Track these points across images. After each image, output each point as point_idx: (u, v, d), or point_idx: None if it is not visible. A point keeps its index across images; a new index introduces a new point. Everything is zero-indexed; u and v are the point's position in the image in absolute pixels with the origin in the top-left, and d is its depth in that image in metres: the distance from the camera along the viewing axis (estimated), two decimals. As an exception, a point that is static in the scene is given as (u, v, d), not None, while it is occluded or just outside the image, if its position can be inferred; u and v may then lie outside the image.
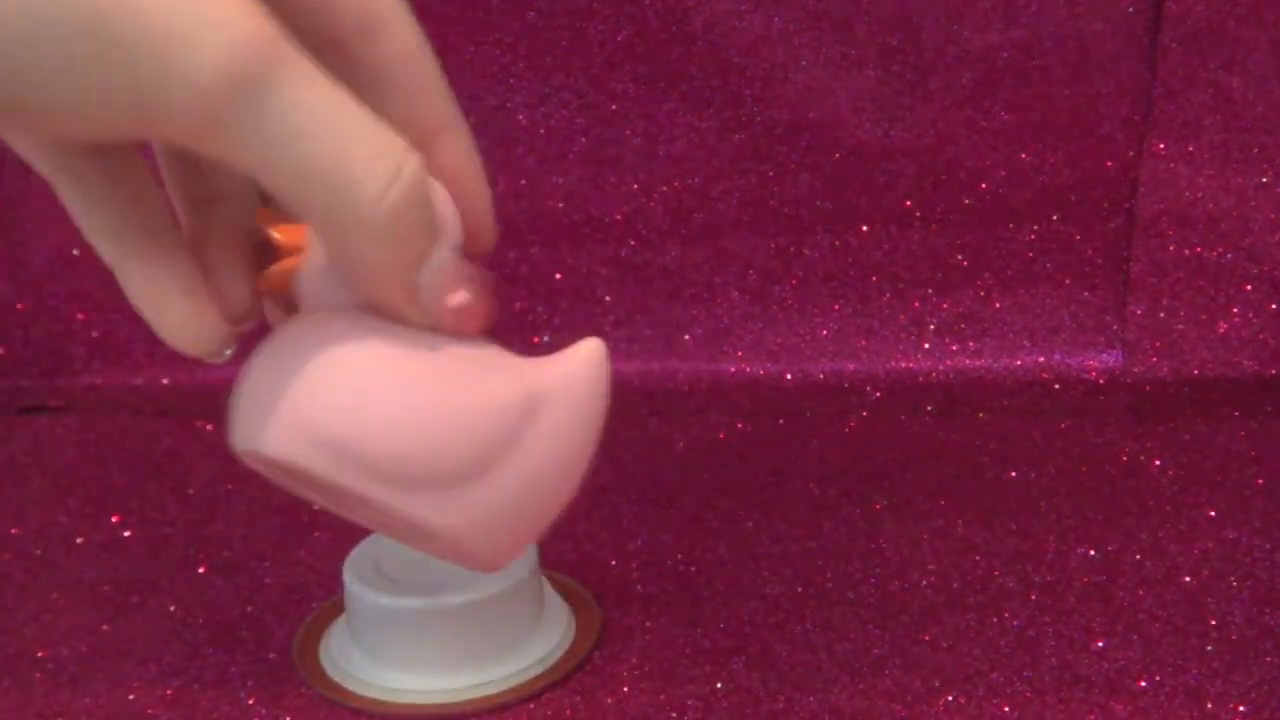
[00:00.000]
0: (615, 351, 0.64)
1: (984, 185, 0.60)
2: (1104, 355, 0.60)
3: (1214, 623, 0.44)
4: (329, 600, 0.48)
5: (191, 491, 0.57)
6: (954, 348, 0.61)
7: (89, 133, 0.29)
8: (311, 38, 0.30)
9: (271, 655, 0.46)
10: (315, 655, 0.45)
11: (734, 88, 0.60)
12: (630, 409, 0.62)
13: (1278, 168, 0.57)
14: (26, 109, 0.27)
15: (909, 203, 0.61)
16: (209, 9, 0.27)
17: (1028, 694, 0.41)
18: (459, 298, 0.32)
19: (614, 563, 0.50)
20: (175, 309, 0.34)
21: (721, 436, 0.60)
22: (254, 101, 0.27)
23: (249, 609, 0.48)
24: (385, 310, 0.32)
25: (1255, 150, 0.57)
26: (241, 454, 0.33)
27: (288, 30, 0.28)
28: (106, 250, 0.34)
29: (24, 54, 0.26)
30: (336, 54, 0.31)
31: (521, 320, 0.63)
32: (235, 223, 0.35)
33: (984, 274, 0.61)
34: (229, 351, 0.35)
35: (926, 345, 0.61)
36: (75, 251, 0.64)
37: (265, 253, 0.34)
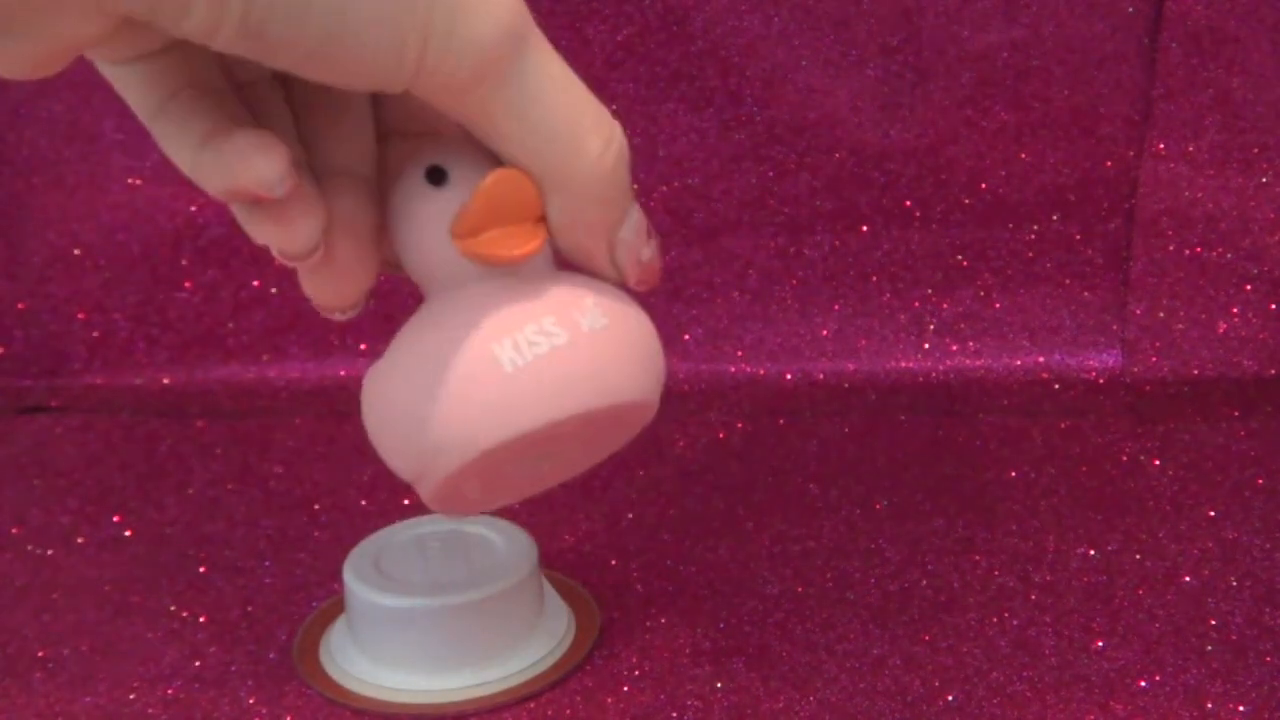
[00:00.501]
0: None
1: (984, 185, 0.60)
2: (1104, 355, 0.60)
3: (1214, 623, 0.44)
4: (329, 600, 0.48)
5: (191, 491, 0.57)
6: (954, 348, 0.61)
7: (362, 82, 0.30)
8: None
9: (271, 655, 0.46)
10: (315, 655, 0.45)
11: (734, 88, 0.60)
12: (630, 409, 0.62)
13: (1278, 168, 0.57)
14: (332, 49, 0.28)
15: (909, 203, 0.61)
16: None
17: (1028, 694, 0.41)
18: (647, 253, 0.35)
19: (614, 563, 0.50)
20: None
21: (721, 436, 0.60)
22: (518, 64, 0.30)
23: (249, 609, 0.48)
24: (585, 266, 0.35)
25: (1255, 150, 0.57)
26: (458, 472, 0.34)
27: None
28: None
29: None
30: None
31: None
32: (345, 201, 0.35)
33: (984, 274, 0.61)
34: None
35: (926, 345, 0.61)
36: (75, 251, 0.64)
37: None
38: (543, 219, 0.34)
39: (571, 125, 0.32)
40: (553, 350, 0.33)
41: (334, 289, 0.36)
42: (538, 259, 0.34)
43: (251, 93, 0.35)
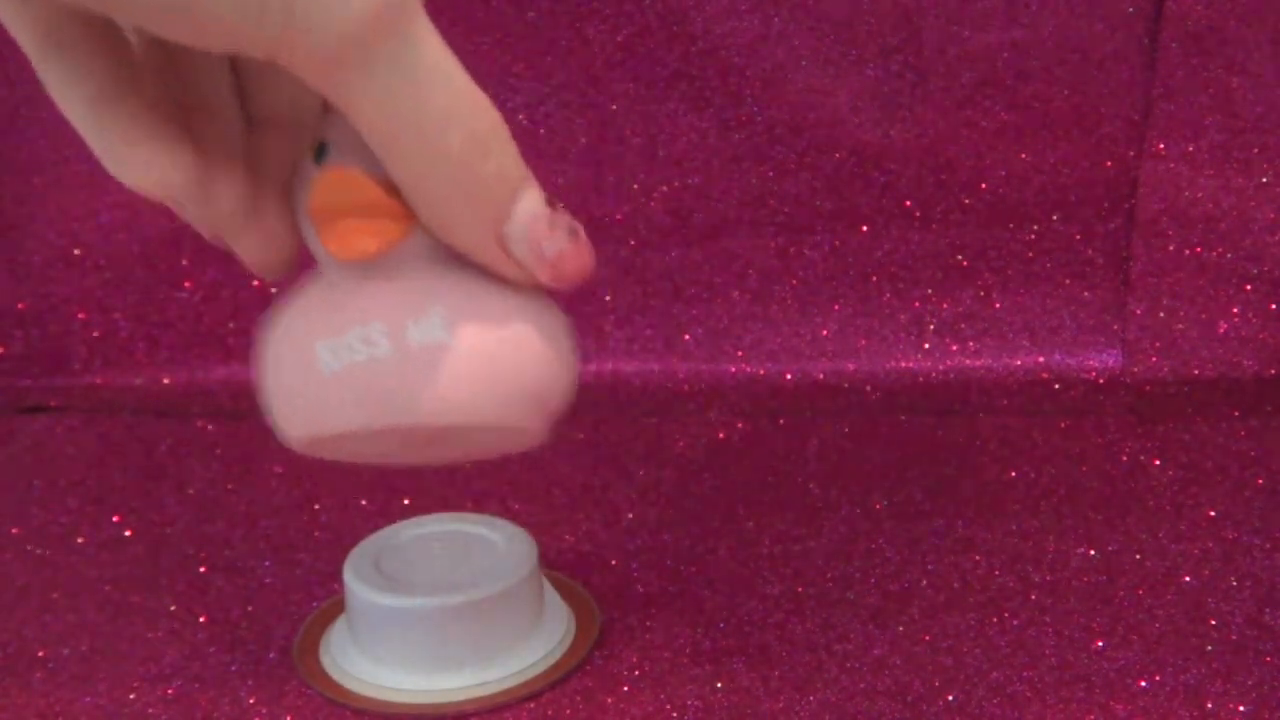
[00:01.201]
0: (615, 351, 0.65)
1: (984, 185, 0.60)
2: (1104, 355, 0.60)
3: (1214, 623, 0.44)
4: (329, 600, 0.48)
5: (191, 491, 0.57)
6: (954, 348, 0.61)
7: (220, 43, 0.28)
8: None
9: (271, 655, 0.46)
10: (315, 655, 0.45)
11: (734, 88, 0.60)
12: (630, 409, 0.62)
13: (1278, 168, 0.57)
14: (184, 9, 0.27)
15: (909, 203, 0.61)
16: None
17: (1028, 694, 0.41)
18: (552, 247, 0.31)
19: (614, 563, 0.50)
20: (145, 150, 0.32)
21: (721, 436, 0.60)
22: (388, 50, 0.28)
23: (249, 609, 0.48)
24: (484, 266, 0.32)
25: (1255, 150, 0.57)
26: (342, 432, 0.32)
27: None
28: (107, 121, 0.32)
29: None
30: None
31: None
32: (283, 155, 0.34)
33: (984, 274, 0.61)
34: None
35: (926, 345, 0.61)
36: (76, 251, 0.64)
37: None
38: (409, 215, 0.32)
39: (438, 122, 0.29)
40: (370, 360, 0.31)
41: (263, 246, 0.34)
42: (414, 253, 0.32)
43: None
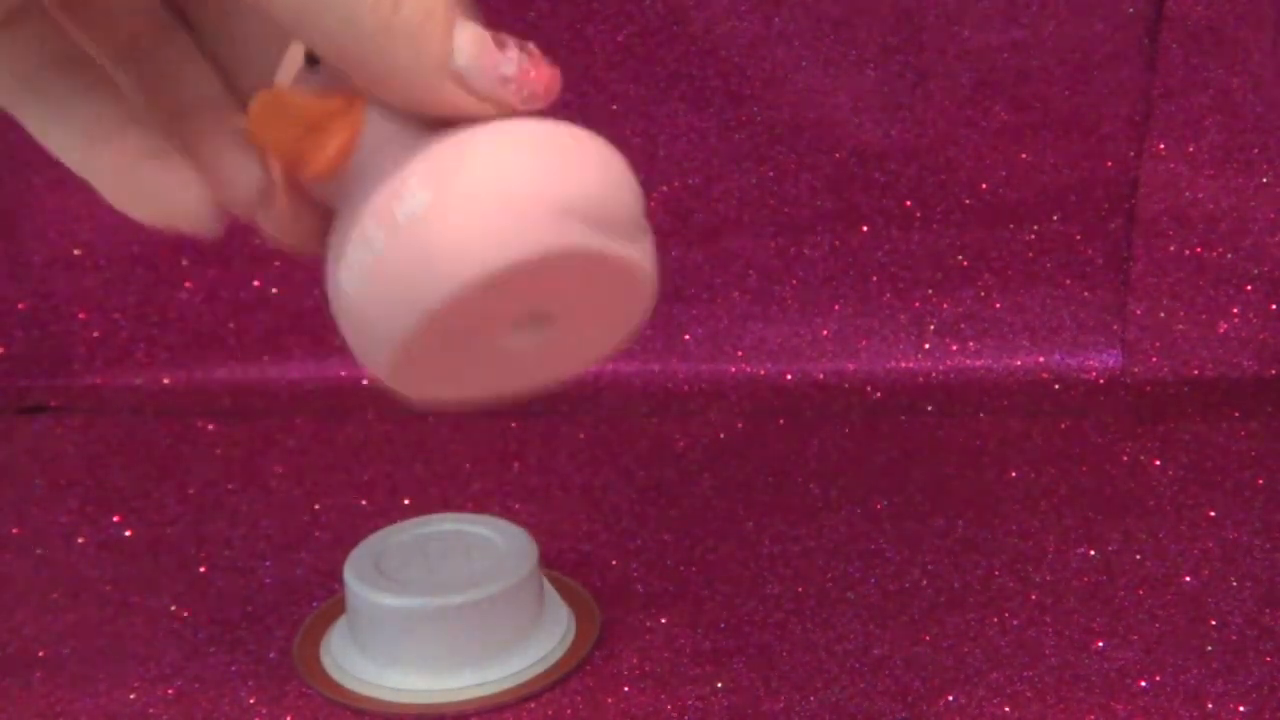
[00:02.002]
0: (615, 351, 0.65)
1: (984, 185, 0.60)
2: (1104, 355, 0.60)
3: (1214, 623, 0.44)
4: (329, 600, 0.48)
5: (191, 491, 0.57)
6: (954, 348, 0.61)
7: None
8: None
9: (271, 655, 0.46)
10: (315, 655, 0.45)
11: (734, 88, 0.60)
12: (630, 409, 0.62)
13: (1278, 168, 0.57)
14: None
15: (909, 203, 0.61)
16: None
17: (1028, 694, 0.41)
18: (509, 67, 0.29)
19: (614, 563, 0.50)
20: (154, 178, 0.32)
21: (721, 436, 0.60)
22: None
23: (249, 609, 0.48)
24: (456, 118, 0.29)
25: (1255, 150, 0.57)
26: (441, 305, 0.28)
27: None
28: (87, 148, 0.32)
29: None
30: None
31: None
32: (221, 124, 0.32)
33: (984, 274, 0.61)
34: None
35: (926, 345, 0.61)
36: (76, 251, 0.64)
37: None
38: (350, 107, 0.29)
39: None
40: (376, 260, 0.29)
41: (290, 220, 0.32)
42: (378, 141, 0.30)
43: (136, 48, 0.32)
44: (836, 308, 0.62)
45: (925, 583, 0.47)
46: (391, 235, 0.28)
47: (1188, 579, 0.47)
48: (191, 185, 0.31)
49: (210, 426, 0.63)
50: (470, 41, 0.29)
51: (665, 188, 0.62)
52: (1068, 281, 0.61)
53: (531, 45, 0.30)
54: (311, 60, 0.30)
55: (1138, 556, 0.48)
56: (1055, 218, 0.60)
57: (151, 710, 0.43)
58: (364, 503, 0.55)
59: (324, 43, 0.28)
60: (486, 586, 0.43)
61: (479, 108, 0.29)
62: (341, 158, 0.29)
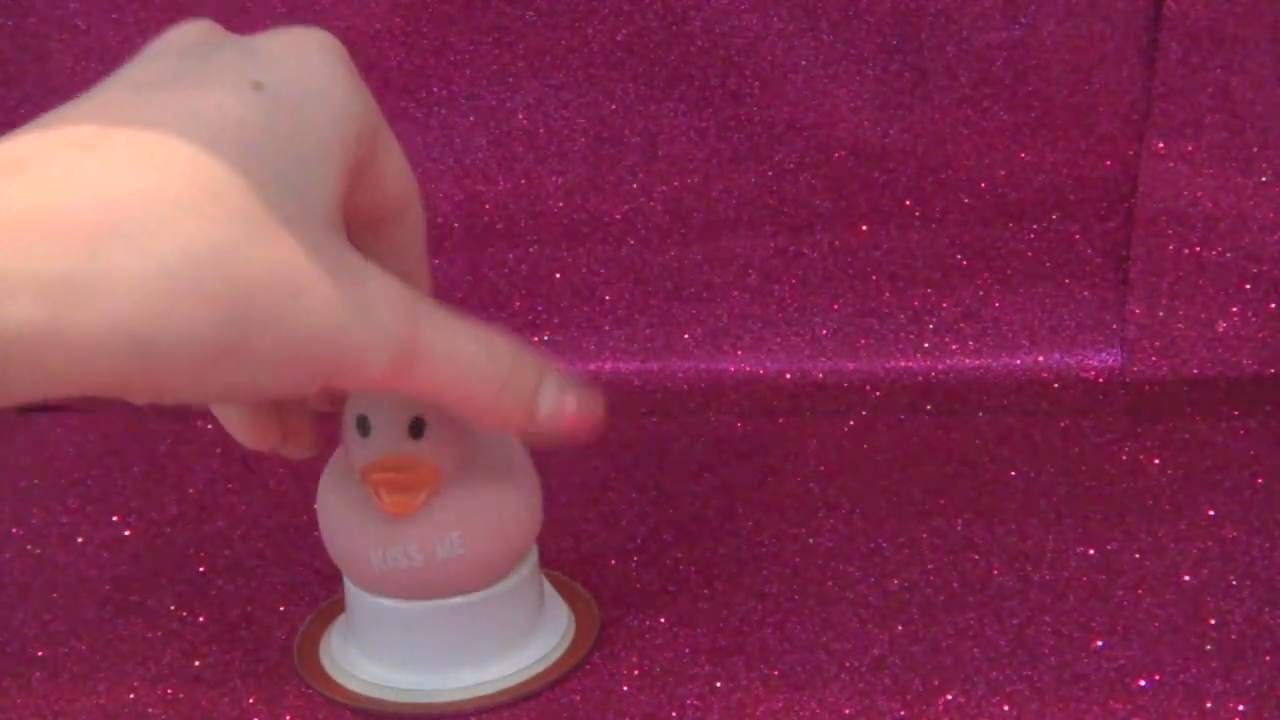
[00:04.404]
0: (615, 351, 0.65)
1: (984, 185, 0.60)
2: (1103, 355, 0.60)
3: (1214, 623, 0.44)
4: (329, 600, 0.48)
5: (191, 491, 0.57)
6: (954, 347, 0.61)
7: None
8: (361, 218, 0.36)
9: (271, 655, 0.46)
10: (315, 655, 0.45)
11: (734, 88, 0.60)
12: (630, 409, 0.62)
13: (1278, 168, 0.57)
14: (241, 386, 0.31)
15: (909, 203, 0.61)
16: (373, 323, 0.32)
17: (1028, 694, 0.41)
18: (572, 405, 0.39)
19: (614, 563, 0.50)
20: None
21: (721, 436, 0.60)
22: (414, 368, 0.33)
23: (249, 609, 0.48)
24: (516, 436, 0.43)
25: (1255, 150, 0.57)
26: None
27: (349, 214, 0.34)
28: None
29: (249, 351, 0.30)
30: (373, 231, 0.37)
31: (521, 320, 0.63)
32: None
33: (984, 274, 0.61)
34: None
35: (926, 345, 0.61)
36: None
37: None
38: (436, 478, 0.41)
39: (473, 369, 0.36)
40: (409, 569, 0.42)
41: (301, 451, 0.42)
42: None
43: None
44: (836, 307, 0.62)
45: (925, 583, 0.47)
46: (429, 563, 0.42)
47: (1187, 578, 0.47)
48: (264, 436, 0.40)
49: (210, 426, 0.63)
50: (552, 395, 0.38)
51: (665, 188, 0.62)
52: (1067, 281, 0.61)
53: (585, 389, 0.38)
54: (362, 424, 0.41)
55: (1137, 556, 0.48)
56: (1054, 217, 0.60)
57: (151, 710, 0.43)
58: (364, 503, 0.55)
59: (454, 406, 0.36)
60: (487, 586, 0.43)
61: (534, 438, 0.39)
62: (424, 506, 0.41)
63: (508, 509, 0.43)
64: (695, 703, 0.42)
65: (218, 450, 0.61)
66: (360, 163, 0.34)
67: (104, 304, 0.27)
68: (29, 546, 0.54)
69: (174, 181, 0.28)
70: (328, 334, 0.31)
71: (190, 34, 0.34)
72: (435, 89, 0.62)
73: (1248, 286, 0.58)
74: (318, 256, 0.30)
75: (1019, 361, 0.60)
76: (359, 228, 0.36)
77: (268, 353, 0.30)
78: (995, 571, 0.48)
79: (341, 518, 0.43)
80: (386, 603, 0.43)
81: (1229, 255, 0.58)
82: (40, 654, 0.46)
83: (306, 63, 0.33)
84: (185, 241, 0.28)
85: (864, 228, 0.61)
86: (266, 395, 0.33)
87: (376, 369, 0.32)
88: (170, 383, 0.29)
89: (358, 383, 0.34)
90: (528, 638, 0.44)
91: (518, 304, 0.63)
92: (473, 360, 0.35)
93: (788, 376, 0.62)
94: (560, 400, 0.38)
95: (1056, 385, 0.60)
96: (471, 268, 0.63)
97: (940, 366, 0.61)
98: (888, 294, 0.62)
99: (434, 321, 0.34)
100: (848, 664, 0.43)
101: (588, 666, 0.44)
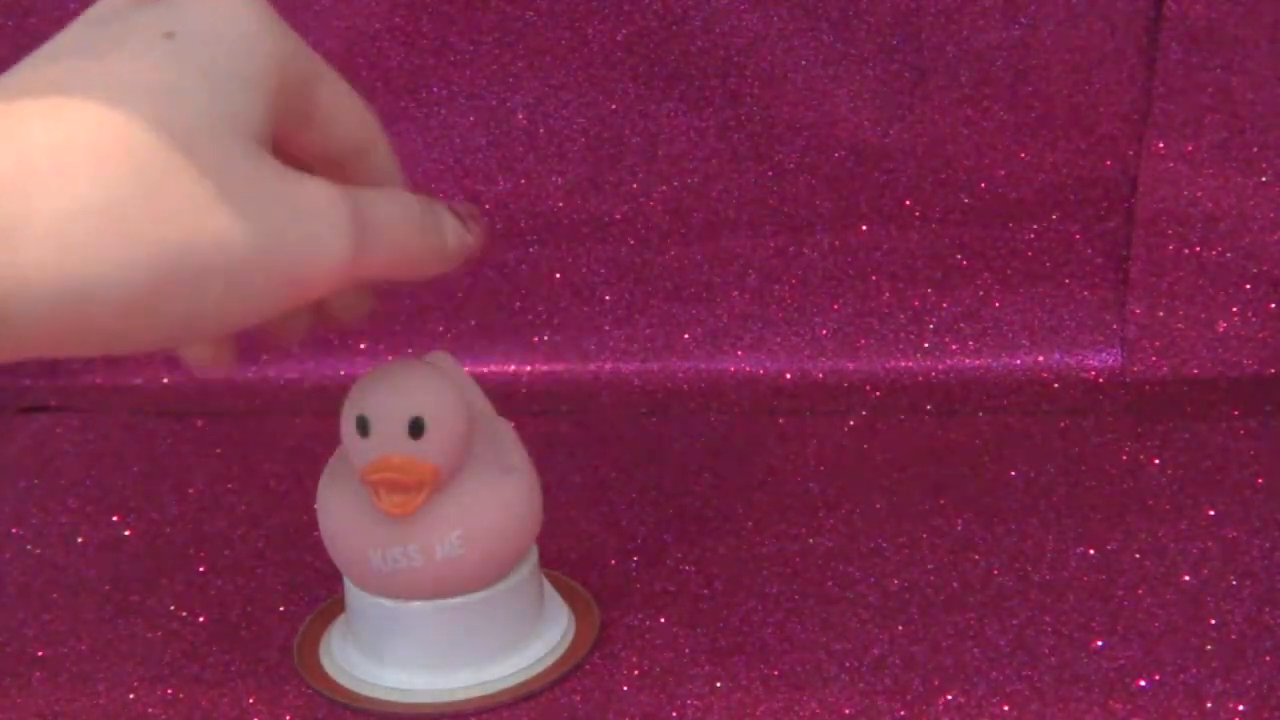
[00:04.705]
0: (615, 351, 0.65)
1: (984, 184, 0.60)
2: (1103, 355, 0.60)
3: (1214, 623, 0.44)
4: (329, 600, 0.48)
5: (191, 491, 0.57)
6: (954, 347, 0.61)
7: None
8: (321, 158, 0.37)
9: (272, 655, 0.46)
10: (315, 655, 0.45)
11: (734, 88, 0.60)
12: (630, 409, 0.62)
13: (1278, 168, 0.57)
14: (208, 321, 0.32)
15: (909, 202, 0.61)
16: (323, 221, 0.33)
17: (1028, 694, 0.41)
18: (471, 236, 0.39)
19: (614, 563, 0.50)
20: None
21: (721, 436, 0.60)
22: (366, 247, 0.34)
23: (249, 609, 0.48)
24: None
25: (1255, 150, 0.57)
26: None
27: (306, 153, 0.36)
28: None
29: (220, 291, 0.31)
30: (339, 171, 0.38)
31: (521, 320, 0.63)
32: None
33: (984, 273, 0.61)
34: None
35: (926, 345, 0.61)
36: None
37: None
38: (436, 477, 0.41)
39: (417, 240, 0.38)
40: (409, 569, 0.42)
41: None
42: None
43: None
44: (836, 307, 0.62)
45: (925, 582, 0.47)
46: (429, 563, 0.42)
47: (1187, 578, 0.47)
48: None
49: (210, 426, 0.63)
50: (454, 227, 0.39)
51: (665, 187, 0.62)
52: (1067, 280, 0.61)
53: (464, 214, 0.40)
54: (362, 424, 0.41)
55: (1137, 555, 0.48)
56: (1055, 216, 0.60)
57: (151, 710, 0.43)
58: (364, 503, 0.55)
59: (394, 254, 0.36)
60: (487, 586, 0.43)
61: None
62: (422, 506, 0.41)
63: (508, 509, 0.43)
64: (695, 703, 0.42)
65: (218, 450, 0.61)
66: (298, 100, 0.35)
67: (30, 249, 0.28)
68: (29, 546, 0.54)
69: (86, 132, 0.29)
70: (256, 256, 0.31)
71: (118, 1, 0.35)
72: (435, 89, 0.62)
73: (1248, 286, 0.58)
74: (237, 184, 0.31)
75: (1019, 361, 0.60)
76: (325, 168, 0.37)
77: (205, 289, 0.31)
78: (995, 571, 0.48)
79: (341, 518, 0.43)
80: (386, 603, 0.43)
81: (1229, 255, 0.58)
82: (40, 654, 0.46)
83: (224, 12, 0.34)
84: (103, 184, 0.29)
85: (864, 228, 0.61)
86: (236, 326, 0.33)
87: (334, 261, 0.33)
88: (115, 328, 0.30)
89: (324, 285, 0.34)
90: (528, 638, 0.44)
91: (518, 304, 0.63)
92: (401, 218, 0.36)
93: (788, 376, 0.62)
94: (459, 232, 0.39)
95: (1056, 385, 0.60)
96: (472, 268, 0.63)
97: (940, 366, 0.61)
98: (888, 294, 0.62)
99: (365, 199, 0.35)
100: (848, 664, 0.43)
101: (588, 666, 0.44)
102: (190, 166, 0.30)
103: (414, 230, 0.37)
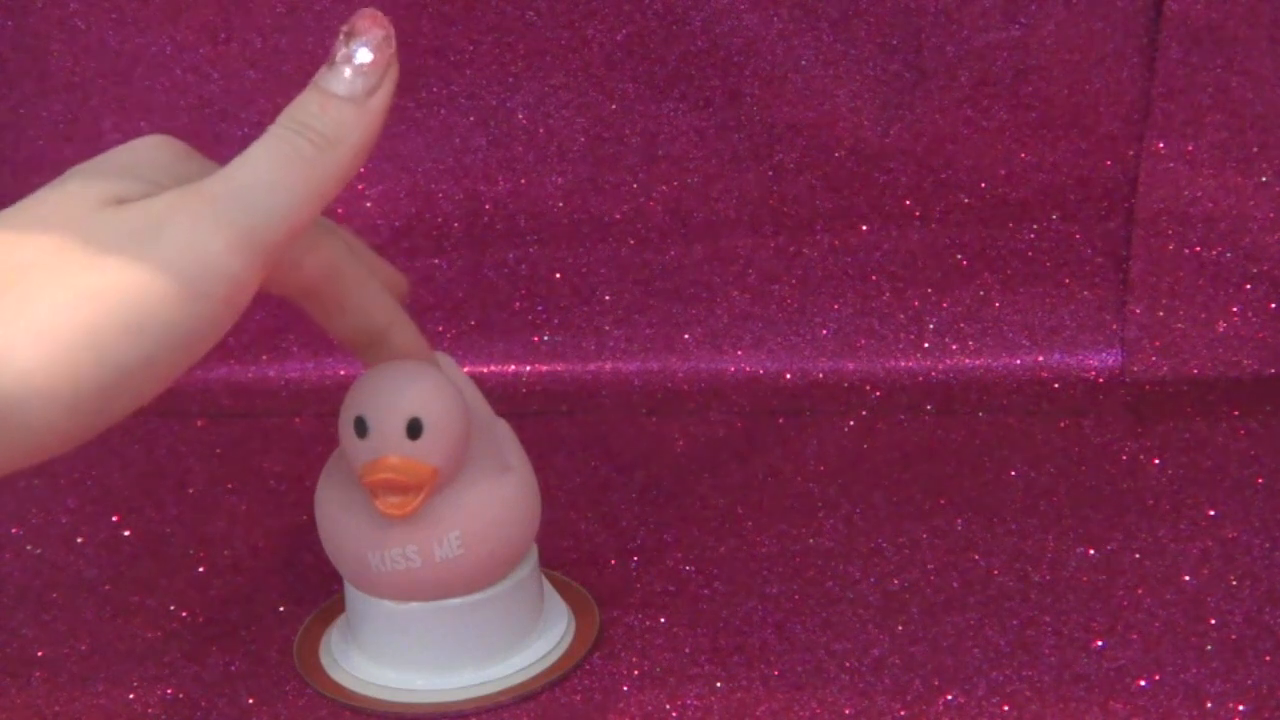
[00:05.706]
0: (615, 351, 0.65)
1: (984, 184, 0.60)
2: (1103, 355, 0.60)
3: (1214, 623, 0.44)
4: (329, 600, 0.48)
5: (191, 491, 0.57)
6: (954, 347, 0.61)
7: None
8: (351, 334, 0.41)
9: (271, 655, 0.46)
10: (315, 655, 0.45)
11: (734, 88, 0.60)
12: (630, 409, 0.62)
13: (1278, 168, 0.57)
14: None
15: (909, 202, 0.61)
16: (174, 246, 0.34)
17: (1028, 694, 0.41)
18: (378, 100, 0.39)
19: (614, 563, 0.50)
20: None
21: (721, 436, 0.60)
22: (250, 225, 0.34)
23: (249, 609, 0.48)
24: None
25: (1255, 150, 0.57)
26: None
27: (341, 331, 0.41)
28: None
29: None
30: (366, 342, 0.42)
31: (521, 320, 0.63)
32: None
33: (984, 273, 0.61)
34: None
35: (926, 345, 0.61)
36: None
37: None
38: (434, 478, 0.41)
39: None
40: (408, 570, 0.42)
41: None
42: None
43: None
44: (836, 307, 0.62)
45: (925, 582, 0.47)
46: (427, 563, 0.42)
47: (1187, 578, 0.47)
48: None
49: (210, 426, 0.63)
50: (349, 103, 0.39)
51: (665, 187, 0.62)
52: (1067, 280, 0.61)
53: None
54: (360, 425, 0.41)
55: (1137, 556, 0.48)
56: (1055, 216, 0.60)
57: (151, 710, 0.43)
58: (364, 503, 0.55)
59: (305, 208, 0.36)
60: (487, 587, 0.43)
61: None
62: (421, 508, 0.41)
63: (508, 509, 0.43)
64: (695, 703, 0.42)
65: (218, 450, 0.61)
66: (332, 289, 0.39)
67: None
68: (29, 546, 0.54)
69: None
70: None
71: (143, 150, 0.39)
72: (435, 89, 0.62)
73: (1248, 286, 0.58)
74: (84, 246, 0.33)
75: (1019, 361, 0.60)
76: (354, 341, 0.41)
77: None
78: (995, 571, 0.48)
79: (340, 519, 0.43)
80: (386, 603, 0.43)
81: (1229, 255, 0.58)
82: (40, 654, 0.46)
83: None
84: None
85: (864, 228, 0.61)
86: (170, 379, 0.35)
87: (240, 268, 0.33)
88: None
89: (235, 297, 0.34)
90: (528, 638, 0.44)
91: (518, 304, 0.63)
92: (281, 169, 0.35)
93: (788, 376, 0.62)
94: (355, 89, 0.39)
95: (1056, 385, 0.60)
96: (472, 268, 0.63)
97: (940, 366, 0.61)
98: (888, 294, 0.62)
99: (227, 179, 0.35)
100: (848, 664, 0.43)
101: (588, 666, 0.44)
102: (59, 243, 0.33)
103: (306, 176, 0.35)
